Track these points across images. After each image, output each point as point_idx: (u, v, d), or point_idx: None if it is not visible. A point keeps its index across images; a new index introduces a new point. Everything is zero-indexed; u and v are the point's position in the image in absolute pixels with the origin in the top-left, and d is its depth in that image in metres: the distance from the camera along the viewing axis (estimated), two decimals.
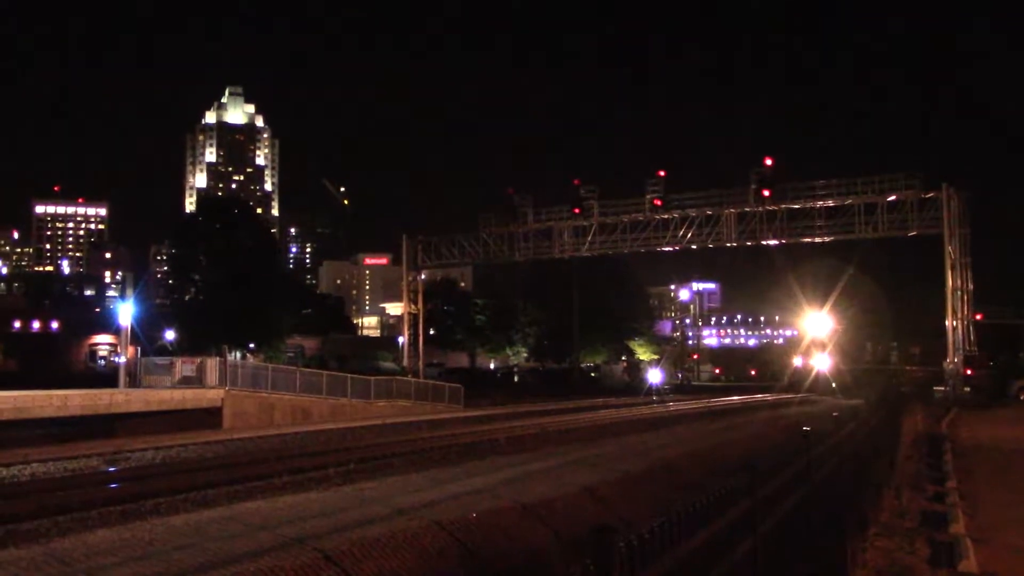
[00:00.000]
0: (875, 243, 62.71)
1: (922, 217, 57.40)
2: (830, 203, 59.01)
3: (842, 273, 76.60)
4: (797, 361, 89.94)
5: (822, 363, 74.84)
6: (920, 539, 13.44)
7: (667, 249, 65.16)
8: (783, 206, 59.94)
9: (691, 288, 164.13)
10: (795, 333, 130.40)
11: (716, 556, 5.06)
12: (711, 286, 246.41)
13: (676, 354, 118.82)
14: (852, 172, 60.81)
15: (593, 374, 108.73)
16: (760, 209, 60.27)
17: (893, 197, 57.53)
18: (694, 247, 64.49)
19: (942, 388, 60.77)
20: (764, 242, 62.21)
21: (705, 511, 5.14)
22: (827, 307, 76.25)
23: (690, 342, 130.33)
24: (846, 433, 15.56)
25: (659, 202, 62.80)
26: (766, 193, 59.78)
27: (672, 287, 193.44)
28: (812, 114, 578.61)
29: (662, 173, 64.09)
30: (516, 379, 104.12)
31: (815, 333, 77.46)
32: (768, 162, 61.10)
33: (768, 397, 67.74)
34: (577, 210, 65.26)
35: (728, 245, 63.34)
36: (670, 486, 19.82)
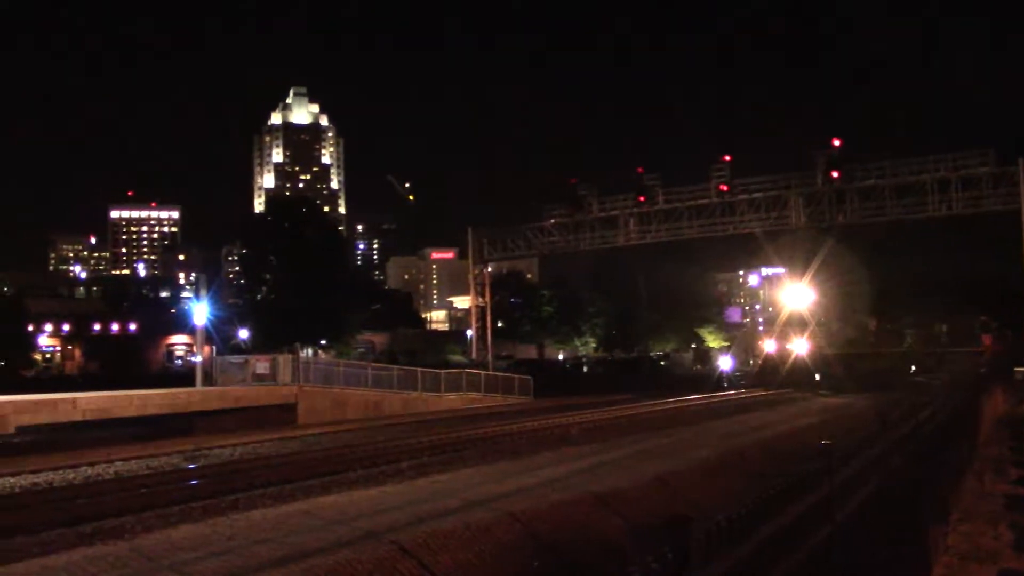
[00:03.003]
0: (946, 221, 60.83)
1: (997, 193, 55.79)
2: (903, 180, 57.59)
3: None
4: (768, 345, 67.79)
5: (800, 347, 59.80)
6: (1003, 524, 13.11)
7: (733, 233, 64.36)
8: (852, 184, 58.75)
9: (759, 273, 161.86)
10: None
11: (793, 542, 5.01)
12: (780, 271, 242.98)
13: (747, 341, 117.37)
14: (922, 151, 59.17)
15: (663, 362, 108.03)
16: (828, 189, 59.20)
17: (967, 172, 56.02)
18: (760, 231, 63.59)
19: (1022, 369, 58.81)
20: (834, 224, 61.11)
21: (780, 499, 5.09)
22: (808, 277, 62.67)
23: (760, 328, 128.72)
24: None
25: (725, 187, 62.01)
26: (835, 175, 58.67)
27: (740, 273, 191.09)
28: (879, 94, 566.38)
29: (727, 158, 63.30)
30: (585, 369, 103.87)
31: (794, 307, 62.76)
32: (836, 143, 59.96)
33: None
34: (642, 198, 64.78)
35: (796, 228, 62.33)
36: (742, 474, 19.63)
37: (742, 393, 53.51)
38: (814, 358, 59.75)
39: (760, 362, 64.84)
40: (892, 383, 51.15)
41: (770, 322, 65.52)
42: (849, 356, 66.56)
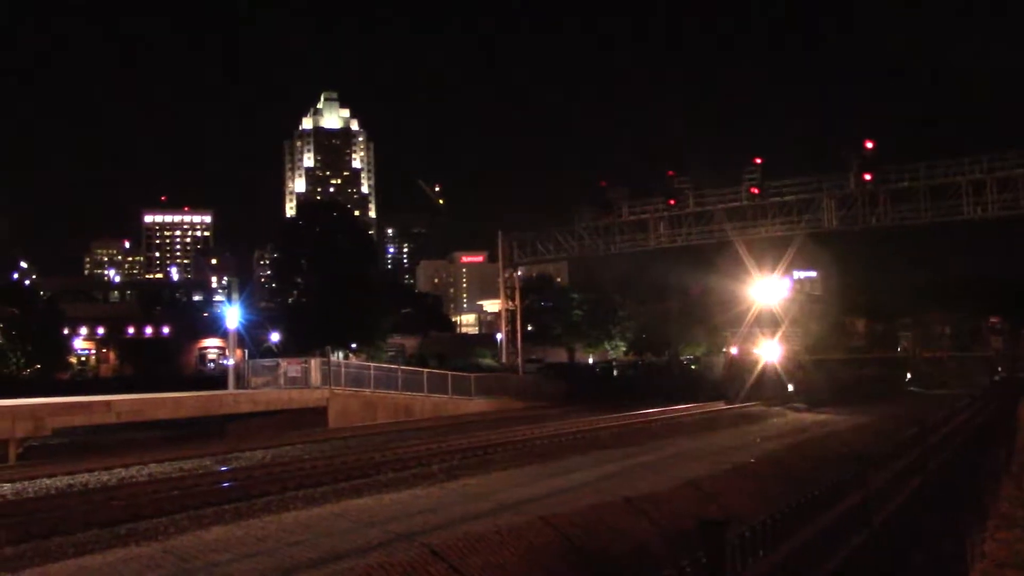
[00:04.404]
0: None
1: None
2: (937, 182, 56.90)
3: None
4: (734, 349, 56.76)
5: (770, 352, 51.00)
6: None
7: (764, 237, 63.83)
8: (886, 187, 58.16)
9: (791, 277, 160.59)
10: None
11: (829, 548, 4.95)
12: (812, 274, 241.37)
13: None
14: (957, 153, 58.30)
15: (693, 367, 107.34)
16: (861, 192, 58.63)
17: (1003, 174, 55.25)
18: (792, 234, 63.02)
19: None
20: (867, 226, 60.46)
21: (815, 503, 5.03)
22: (780, 271, 55.10)
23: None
24: None
25: (756, 190, 61.55)
26: (867, 177, 58.10)
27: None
28: (911, 95, 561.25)
29: (758, 160, 62.81)
30: (615, 373, 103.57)
31: (765, 304, 53.73)
32: (869, 145, 59.38)
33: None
34: (672, 201, 64.48)
35: (828, 231, 61.71)
36: (776, 479, 19.48)
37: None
38: (788, 364, 51.20)
39: (723, 370, 54.15)
40: (883, 394, 47.68)
41: (736, 322, 57.25)
42: (832, 362, 58.06)
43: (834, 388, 48.39)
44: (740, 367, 51.72)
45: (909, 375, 64.67)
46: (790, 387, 48.62)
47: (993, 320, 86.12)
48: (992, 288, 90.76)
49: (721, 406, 44.89)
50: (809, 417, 36.39)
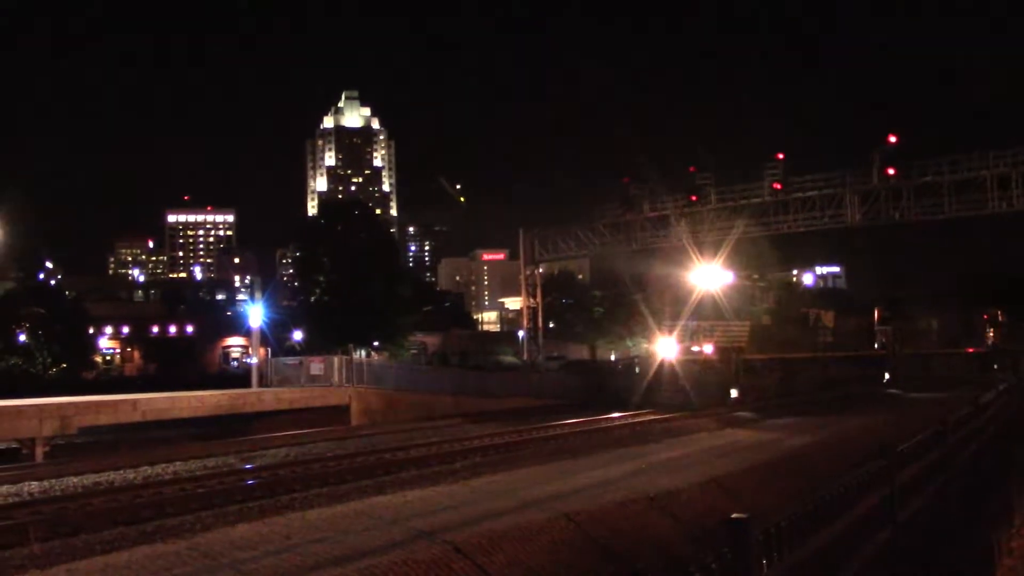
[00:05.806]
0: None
1: None
2: (961, 177, 56.46)
3: None
4: (665, 347, 43.77)
5: (710, 349, 41.87)
6: None
7: (786, 232, 63.53)
8: (909, 182, 57.76)
9: (814, 272, 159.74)
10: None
11: (854, 545, 4.93)
12: (835, 269, 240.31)
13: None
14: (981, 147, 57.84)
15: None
16: (884, 186, 58.24)
17: None
18: (815, 229, 62.68)
19: None
20: (890, 221, 60.05)
21: (840, 500, 5.01)
22: (721, 257, 46.87)
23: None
24: None
25: (778, 185, 61.31)
26: (891, 171, 57.70)
27: (795, 272, 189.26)
28: (937, 90, 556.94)
29: (781, 156, 62.62)
30: (637, 371, 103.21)
31: (705, 290, 44.21)
32: (892, 139, 58.97)
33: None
34: (694, 197, 64.33)
35: (851, 226, 61.34)
36: (800, 476, 19.40)
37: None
38: (732, 364, 42.40)
39: (653, 372, 44.93)
40: (850, 399, 42.16)
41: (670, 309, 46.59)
42: (790, 362, 49.18)
43: (793, 392, 43.32)
44: (673, 368, 42.70)
45: (887, 376, 59.20)
46: (734, 393, 40.86)
47: (990, 312, 79.84)
48: (989, 283, 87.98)
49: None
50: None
